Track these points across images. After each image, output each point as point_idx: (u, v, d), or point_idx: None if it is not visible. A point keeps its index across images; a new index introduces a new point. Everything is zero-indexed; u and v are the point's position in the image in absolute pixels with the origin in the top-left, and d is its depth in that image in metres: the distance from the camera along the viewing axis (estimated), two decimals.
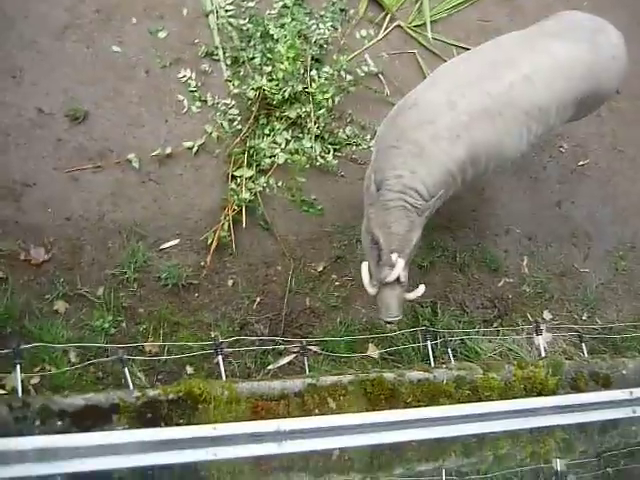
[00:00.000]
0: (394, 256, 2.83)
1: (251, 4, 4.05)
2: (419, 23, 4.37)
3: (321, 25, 4.02)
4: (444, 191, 2.97)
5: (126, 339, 3.23)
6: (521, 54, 3.12)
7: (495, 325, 3.79)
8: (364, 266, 3.01)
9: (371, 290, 2.95)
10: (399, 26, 4.34)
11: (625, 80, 3.90)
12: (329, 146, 3.85)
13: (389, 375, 2.79)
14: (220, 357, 2.81)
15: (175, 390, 2.49)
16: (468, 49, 4.14)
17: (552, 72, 3.08)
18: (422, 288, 3.02)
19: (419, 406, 2.75)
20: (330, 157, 3.78)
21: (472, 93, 2.99)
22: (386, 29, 4.30)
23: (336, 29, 4.15)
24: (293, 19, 4.00)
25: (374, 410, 2.69)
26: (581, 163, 4.37)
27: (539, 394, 2.97)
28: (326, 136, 3.86)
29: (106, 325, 3.22)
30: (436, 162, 2.93)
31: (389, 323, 3.05)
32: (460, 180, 3.06)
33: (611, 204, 4.33)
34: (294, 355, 3.35)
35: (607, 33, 3.28)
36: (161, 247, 3.49)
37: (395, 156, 2.97)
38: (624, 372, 3.17)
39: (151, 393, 2.47)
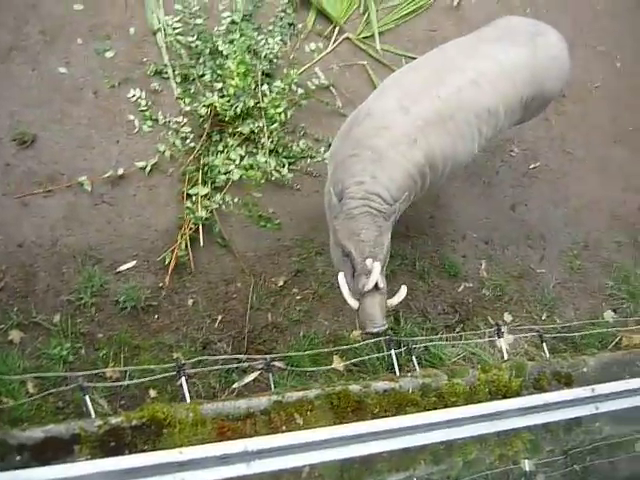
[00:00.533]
0: (369, 262, 2.74)
1: (199, 21, 4.02)
2: (367, 35, 4.41)
3: (270, 40, 4.03)
4: (407, 194, 2.95)
5: (86, 366, 3.15)
6: (465, 60, 3.17)
7: (457, 330, 3.82)
8: (341, 278, 2.87)
9: (353, 302, 2.81)
10: (348, 38, 4.37)
11: (569, 83, 4.03)
12: (284, 160, 3.84)
13: (355, 387, 2.77)
14: (183, 379, 2.75)
15: (138, 416, 2.43)
16: (416, 58, 4.20)
17: (496, 75, 3.13)
18: (404, 289, 2.94)
19: (386, 416, 2.74)
20: (285, 171, 3.77)
21: (423, 98, 3.01)
22: (335, 42, 4.33)
23: (285, 43, 4.16)
24: (242, 35, 4.00)
25: (341, 423, 2.67)
26: (532, 166, 4.45)
27: (504, 396, 2.99)
28: (280, 150, 3.86)
29: (64, 353, 3.14)
30: (396, 166, 2.91)
31: (376, 335, 2.89)
32: (420, 185, 3.07)
33: (563, 205, 4.42)
34: (259, 372, 3.31)
35: (546, 35, 3.36)
36: (118, 270, 3.43)
37: (354, 164, 2.93)
38: (585, 370, 3.22)
39: (113, 421, 2.40)
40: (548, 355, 3.44)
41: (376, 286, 2.73)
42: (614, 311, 4.22)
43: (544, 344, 3.56)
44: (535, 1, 4.97)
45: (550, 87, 3.39)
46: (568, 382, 3.14)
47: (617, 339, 3.95)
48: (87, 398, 2.54)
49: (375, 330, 2.75)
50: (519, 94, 3.21)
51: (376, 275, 2.71)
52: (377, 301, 2.76)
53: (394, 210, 2.89)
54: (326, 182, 3.23)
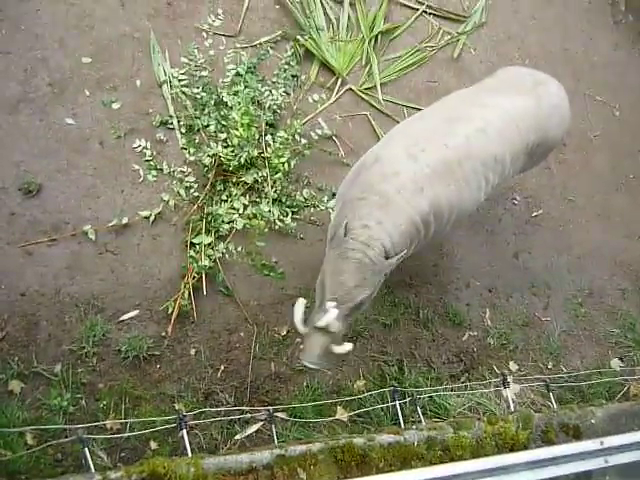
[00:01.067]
0: (330, 304, 2.77)
1: (204, 73, 4.11)
2: (369, 86, 4.50)
3: (274, 91, 4.11)
4: (406, 251, 2.96)
5: (86, 417, 3.12)
6: (471, 110, 3.23)
7: (462, 379, 3.78)
8: (299, 303, 2.94)
9: (300, 328, 2.88)
10: (350, 89, 4.45)
11: (569, 133, 4.08)
12: (287, 209, 3.87)
13: (359, 440, 2.72)
14: (184, 431, 2.71)
15: (138, 470, 2.38)
16: (419, 109, 4.28)
17: (503, 123, 3.18)
18: (349, 346, 2.91)
19: (391, 471, 2.69)
20: (289, 220, 3.79)
21: (431, 147, 3.05)
22: (338, 93, 4.41)
23: (289, 94, 4.24)
24: (246, 87, 4.07)
25: (345, 478, 2.62)
26: (535, 214, 4.47)
27: (511, 449, 2.94)
28: (284, 199, 3.88)
29: (64, 403, 3.11)
30: (401, 212, 2.93)
31: (308, 368, 2.97)
32: (423, 234, 3.07)
33: (566, 253, 4.42)
34: (261, 423, 3.27)
35: (546, 84, 3.44)
36: (120, 319, 3.41)
37: (361, 207, 2.94)
38: (593, 421, 3.17)
39: (113, 475, 2.36)
40: (555, 405, 3.40)
41: (328, 328, 2.76)
42: (621, 359, 4.19)
43: (551, 393, 3.52)
44: (533, 53, 5.07)
45: (553, 134, 3.44)
46: (576, 434, 3.08)
47: (625, 388, 3.91)
48: (86, 451, 2.51)
49: (307, 364, 2.85)
50: (524, 141, 3.26)
51: (329, 318, 2.75)
52: (320, 341, 2.80)
53: (389, 265, 2.89)
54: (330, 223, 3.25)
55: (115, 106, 3.91)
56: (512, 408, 3.41)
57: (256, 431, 3.27)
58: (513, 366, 3.95)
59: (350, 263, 2.83)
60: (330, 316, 2.75)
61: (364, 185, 3.03)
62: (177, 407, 3.22)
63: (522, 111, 3.26)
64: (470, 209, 3.32)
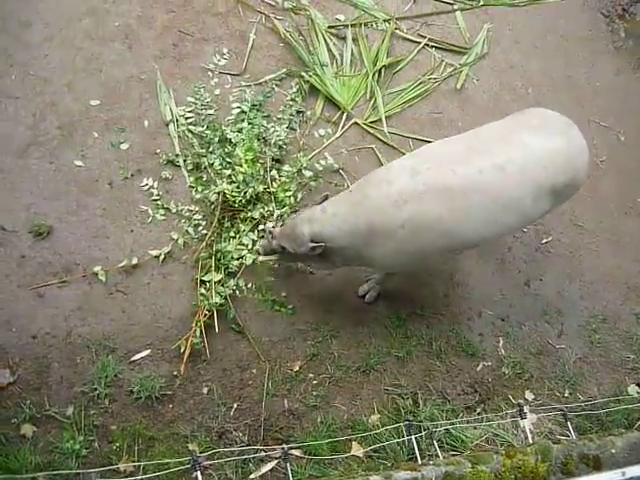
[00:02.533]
0: (272, 229, 3.40)
1: (210, 112, 4.16)
2: (375, 119, 4.53)
3: (278, 127, 4.15)
4: (324, 245, 3.17)
5: (99, 460, 3.10)
6: (497, 145, 3.19)
7: (478, 411, 3.73)
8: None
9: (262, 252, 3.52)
10: (356, 123, 4.48)
11: None
12: None
13: (376, 478, 2.66)
14: (198, 472, 2.67)
15: None
16: (425, 140, 4.33)
17: (527, 163, 3.12)
18: (261, 257, 3.60)
19: None
20: None
21: (438, 168, 3.07)
22: (343, 127, 4.44)
23: (295, 130, 4.28)
24: (250, 123, 4.11)
25: None
26: (544, 241, 4.45)
27: None
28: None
29: (77, 446, 3.09)
30: (365, 214, 3.09)
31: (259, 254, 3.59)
32: (392, 246, 3.11)
33: (578, 279, 4.39)
34: (276, 461, 3.22)
35: (575, 128, 3.37)
36: (132, 359, 3.41)
37: (342, 195, 3.30)
38: (613, 451, 3.10)
39: None
40: (574, 435, 3.34)
41: (268, 238, 3.40)
42: (638, 385, 4.13)
43: (569, 422, 3.47)
44: (536, 81, 5.10)
45: (581, 175, 3.37)
46: (597, 465, 3.02)
47: None
48: None
49: (259, 250, 3.56)
50: (550, 181, 3.17)
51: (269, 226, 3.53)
52: (266, 241, 3.45)
53: (306, 248, 3.19)
54: None
55: (123, 147, 3.96)
56: (530, 439, 3.36)
57: (271, 469, 3.22)
58: (529, 395, 3.89)
59: (293, 220, 3.33)
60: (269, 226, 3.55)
61: (361, 182, 3.27)
62: (190, 447, 3.19)
63: (554, 150, 3.19)
64: (469, 242, 3.31)
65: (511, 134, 3.25)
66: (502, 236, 3.47)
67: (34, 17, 4.27)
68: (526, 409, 3.43)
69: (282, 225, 3.54)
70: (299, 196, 3.97)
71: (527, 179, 3.11)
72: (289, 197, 3.89)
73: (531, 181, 3.12)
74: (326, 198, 3.32)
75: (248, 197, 3.80)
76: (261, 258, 3.64)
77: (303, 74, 4.48)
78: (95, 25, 4.35)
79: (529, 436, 3.37)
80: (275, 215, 3.83)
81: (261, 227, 3.78)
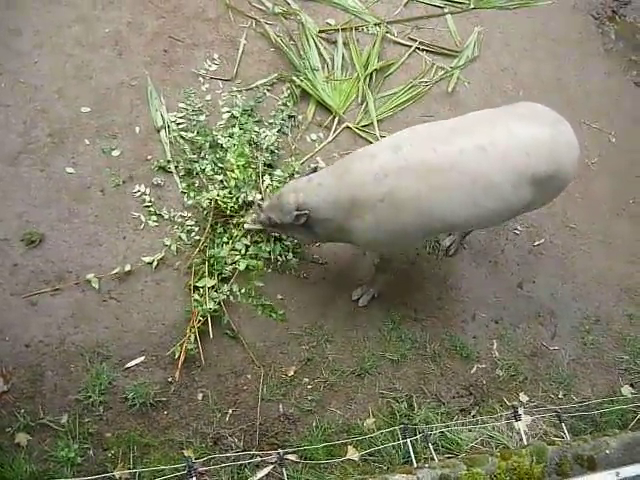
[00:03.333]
0: (260, 202, 3.53)
1: (202, 117, 4.16)
2: (366, 123, 4.54)
3: (270, 132, 4.15)
4: (309, 214, 3.23)
5: (94, 468, 3.08)
6: (481, 127, 3.20)
7: (473, 413, 3.74)
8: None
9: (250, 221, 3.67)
10: (348, 127, 4.49)
11: None
12: (288, 244, 3.87)
13: None
14: (194, 478, 2.67)
15: None
16: None
17: (509, 147, 3.12)
18: (249, 225, 3.67)
19: None
20: (290, 256, 3.82)
21: (419, 145, 3.12)
22: (335, 131, 4.45)
23: (286, 135, 4.28)
24: (241, 128, 4.11)
25: None
26: (537, 243, 4.47)
27: None
28: (284, 236, 3.88)
29: (72, 454, 3.07)
30: (348, 187, 3.15)
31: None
32: (371, 219, 3.14)
33: (571, 280, 4.40)
34: (272, 466, 3.21)
35: (565, 124, 3.36)
36: (126, 366, 3.40)
37: (329, 167, 3.43)
38: (607, 452, 3.11)
39: None
40: (568, 436, 3.35)
41: (257, 211, 3.55)
42: (632, 386, 4.14)
43: (563, 424, 3.48)
44: (527, 83, 5.13)
45: (565, 171, 3.32)
46: (591, 466, 3.03)
47: (638, 415, 3.85)
48: None
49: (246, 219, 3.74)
50: (531, 169, 3.14)
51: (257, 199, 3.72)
52: (255, 215, 3.60)
53: (291, 217, 3.26)
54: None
55: (115, 153, 3.96)
56: (525, 440, 3.37)
57: (267, 475, 3.21)
58: (523, 397, 3.90)
59: (280, 190, 3.48)
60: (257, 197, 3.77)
61: (348, 156, 3.37)
62: (186, 454, 3.18)
63: (538, 139, 3.18)
64: (450, 224, 3.29)
65: (497, 119, 3.26)
66: (483, 223, 3.41)
67: (24, 25, 4.27)
68: (520, 411, 3.44)
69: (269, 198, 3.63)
70: None
71: (508, 163, 3.10)
72: None
73: (512, 166, 3.11)
74: (315, 170, 3.42)
75: (240, 202, 3.80)
76: (247, 226, 3.68)
77: (294, 79, 4.49)
78: (85, 32, 4.35)
79: (524, 438, 3.38)
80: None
81: (250, 199, 3.84)
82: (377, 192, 3.08)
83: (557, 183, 3.38)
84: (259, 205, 3.52)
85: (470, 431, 3.54)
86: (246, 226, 3.69)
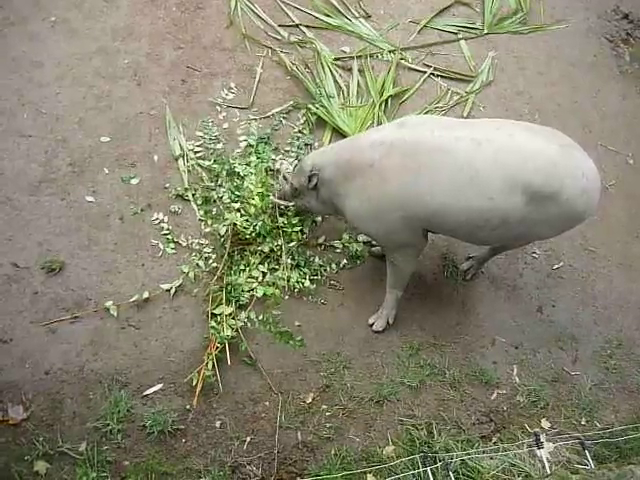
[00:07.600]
0: (286, 169, 3.99)
1: (219, 145, 4.20)
2: None
3: (286, 160, 4.18)
4: (320, 174, 3.45)
5: None
6: (485, 127, 3.22)
7: (494, 440, 3.68)
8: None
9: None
10: None
11: None
12: (306, 270, 3.88)
13: None
14: None
15: None
16: None
17: (505, 147, 3.07)
18: (286, 202, 3.81)
19: None
20: (307, 282, 3.82)
21: (421, 126, 3.24)
22: None
23: None
24: (258, 157, 4.15)
25: None
26: (556, 267, 4.42)
27: None
28: (302, 264, 3.89)
29: None
30: (348, 150, 3.38)
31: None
32: (362, 183, 3.27)
33: (591, 304, 4.34)
34: None
35: (579, 150, 3.23)
36: (144, 393, 3.41)
37: (339, 143, 3.71)
38: None
39: None
40: (592, 464, 3.28)
41: (284, 179, 3.82)
42: None
43: (586, 451, 3.40)
44: (542, 107, 5.12)
45: (568, 197, 3.13)
46: None
47: None
48: None
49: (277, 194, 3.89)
50: (526, 177, 3.03)
51: (281, 168, 4.10)
52: (284, 188, 3.81)
53: (305, 176, 3.52)
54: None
55: (134, 182, 4.01)
56: (547, 468, 3.30)
57: None
58: (545, 424, 3.83)
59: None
60: (283, 167, 4.11)
61: (360, 141, 3.43)
62: None
63: (540, 151, 3.09)
64: (436, 213, 3.19)
65: (505, 125, 3.25)
66: (473, 230, 3.26)
67: (45, 57, 4.37)
68: (543, 438, 3.37)
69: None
70: (307, 230, 3.99)
71: (500, 161, 3.05)
72: (297, 232, 3.89)
73: (503, 164, 3.05)
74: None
75: (257, 230, 3.82)
76: (273, 199, 3.85)
77: (310, 106, 4.53)
78: (105, 63, 4.45)
79: (547, 466, 3.31)
80: (284, 249, 3.85)
81: (277, 166, 4.15)
82: (369, 157, 3.24)
83: (560, 209, 3.18)
84: (285, 177, 3.77)
85: (491, 459, 3.47)
86: (272, 199, 3.84)
